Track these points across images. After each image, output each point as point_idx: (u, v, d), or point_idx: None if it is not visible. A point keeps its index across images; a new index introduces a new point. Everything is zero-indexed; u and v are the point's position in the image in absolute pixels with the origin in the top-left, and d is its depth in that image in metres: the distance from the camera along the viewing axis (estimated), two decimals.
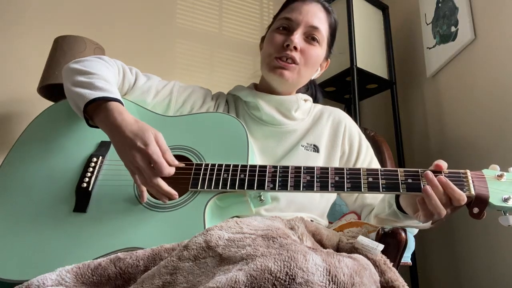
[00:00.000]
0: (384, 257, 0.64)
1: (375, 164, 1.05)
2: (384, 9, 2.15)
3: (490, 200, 0.69)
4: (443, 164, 0.74)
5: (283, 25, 0.98)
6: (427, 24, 1.95)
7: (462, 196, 0.69)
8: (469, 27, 1.61)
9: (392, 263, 0.64)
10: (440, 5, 1.86)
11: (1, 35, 1.78)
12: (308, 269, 0.45)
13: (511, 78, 1.40)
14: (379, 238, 0.75)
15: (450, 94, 1.79)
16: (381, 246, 0.63)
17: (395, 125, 2.04)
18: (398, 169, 0.75)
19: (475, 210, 0.70)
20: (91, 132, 0.84)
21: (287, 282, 0.44)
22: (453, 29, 1.73)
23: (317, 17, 0.98)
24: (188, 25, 2.20)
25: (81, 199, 0.79)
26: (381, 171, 0.75)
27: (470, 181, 0.72)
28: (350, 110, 2.13)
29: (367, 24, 2.05)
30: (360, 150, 1.03)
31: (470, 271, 1.59)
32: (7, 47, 1.77)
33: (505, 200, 0.69)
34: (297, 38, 0.95)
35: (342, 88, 2.10)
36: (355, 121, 1.90)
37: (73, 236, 0.74)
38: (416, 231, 0.91)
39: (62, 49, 1.52)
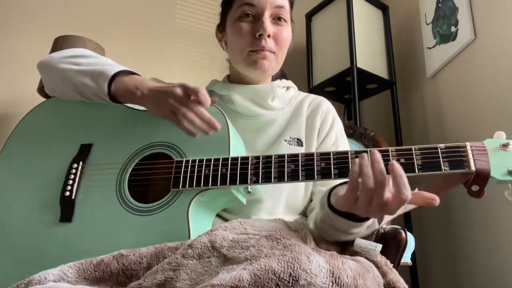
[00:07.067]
0: (384, 258, 0.64)
1: (343, 142, 0.98)
2: (384, 9, 2.15)
3: (492, 174, 0.61)
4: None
5: (246, 12, 0.90)
6: (427, 24, 1.95)
7: (406, 196, 0.55)
8: (469, 27, 1.61)
9: (392, 264, 0.64)
10: (440, 5, 1.86)
11: (1, 34, 1.77)
12: (312, 271, 0.46)
13: (511, 78, 1.41)
14: (378, 238, 0.75)
15: (450, 94, 1.80)
16: (379, 246, 0.63)
17: (395, 125, 2.04)
18: (390, 148, 0.68)
19: (475, 187, 0.62)
20: (73, 134, 0.83)
21: (290, 284, 0.44)
22: (453, 29, 1.73)
23: None
24: (188, 25, 2.20)
25: (66, 208, 0.77)
26: (370, 152, 0.64)
27: (470, 156, 0.63)
28: (350, 110, 2.13)
29: (367, 24, 2.05)
30: (331, 129, 0.96)
31: (470, 271, 1.60)
32: (7, 47, 1.77)
33: (511, 172, 0.61)
34: (268, 25, 0.88)
35: (342, 88, 2.10)
36: (355, 121, 1.92)
37: (61, 246, 0.73)
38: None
39: (62, 49, 1.51)
